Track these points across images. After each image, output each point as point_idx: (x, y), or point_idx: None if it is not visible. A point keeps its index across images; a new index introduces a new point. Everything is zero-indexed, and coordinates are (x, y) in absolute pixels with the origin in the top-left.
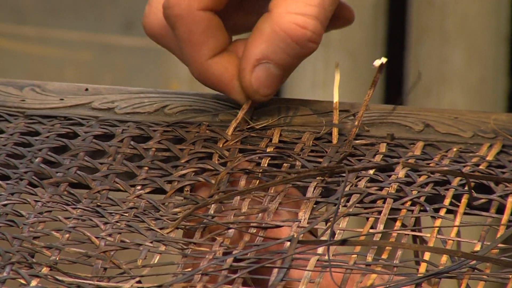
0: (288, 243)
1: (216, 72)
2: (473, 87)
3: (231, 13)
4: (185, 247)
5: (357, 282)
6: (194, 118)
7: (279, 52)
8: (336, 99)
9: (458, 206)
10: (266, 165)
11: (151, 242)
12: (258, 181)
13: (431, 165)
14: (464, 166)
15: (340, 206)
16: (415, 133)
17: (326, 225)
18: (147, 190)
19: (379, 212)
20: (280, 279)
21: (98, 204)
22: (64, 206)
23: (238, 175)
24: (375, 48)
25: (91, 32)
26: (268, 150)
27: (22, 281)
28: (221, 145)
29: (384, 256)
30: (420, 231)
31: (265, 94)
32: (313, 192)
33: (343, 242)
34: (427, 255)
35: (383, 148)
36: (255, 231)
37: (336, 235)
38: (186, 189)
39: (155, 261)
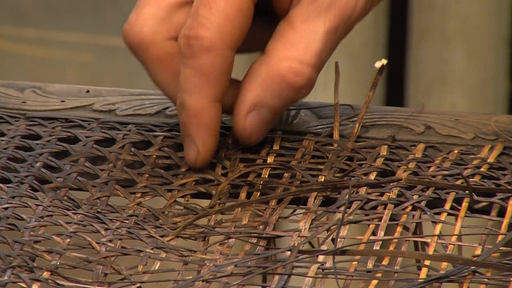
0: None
1: (213, 117)
2: (474, 89)
3: None
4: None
5: None
6: None
7: (273, 97)
8: (336, 99)
9: (459, 210)
10: (267, 175)
11: (152, 249)
12: (258, 193)
13: (431, 168)
14: (465, 169)
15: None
16: (416, 135)
17: (327, 233)
18: (147, 198)
19: (380, 219)
20: (281, 286)
21: (98, 210)
22: (65, 211)
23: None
24: (376, 50)
25: (91, 33)
26: (269, 158)
27: (23, 285)
28: (222, 155)
29: (385, 262)
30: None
31: (256, 140)
32: (313, 202)
33: (343, 252)
34: (428, 260)
35: (384, 150)
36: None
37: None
38: (186, 199)
39: (156, 268)
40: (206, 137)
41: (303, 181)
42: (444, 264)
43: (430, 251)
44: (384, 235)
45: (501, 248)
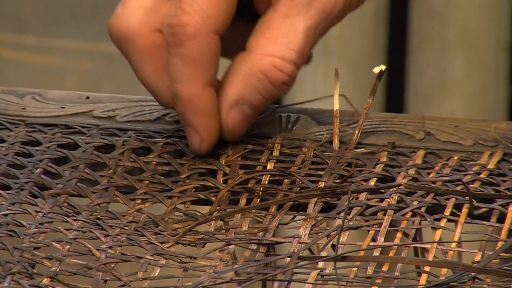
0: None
1: (208, 101)
2: (473, 96)
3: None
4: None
5: None
6: None
7: (255, 93)
8: (336, 106)
9: (459, 216)
10: (267, 182)
11: (152, 255)
12: (258, 199)
13: (431, 174)
14: (465, 175)
15: (340, 220)
16: (416, 141)
17: (327, 240)
18: (147, 204)
19: (380, 225)
20: None
21: (98, 217)
22: (65, 217)
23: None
24: (376, 57)
25: (91, 41)
26: (268, 165)
27: None
28: (223, 162)
29: (385, 268)
30: (421, 240)
31: (238, 135)
32: (313, 208)
33: (344, 258)
34: (427, 266)
35: (384, 157)
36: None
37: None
38: (186, 205)
39: (156, 274)
40: (205, 122)
41: (303, 187)
42: (444, 270)
43: (430, 257)
44: (384, 241)
45: (501, 254)
